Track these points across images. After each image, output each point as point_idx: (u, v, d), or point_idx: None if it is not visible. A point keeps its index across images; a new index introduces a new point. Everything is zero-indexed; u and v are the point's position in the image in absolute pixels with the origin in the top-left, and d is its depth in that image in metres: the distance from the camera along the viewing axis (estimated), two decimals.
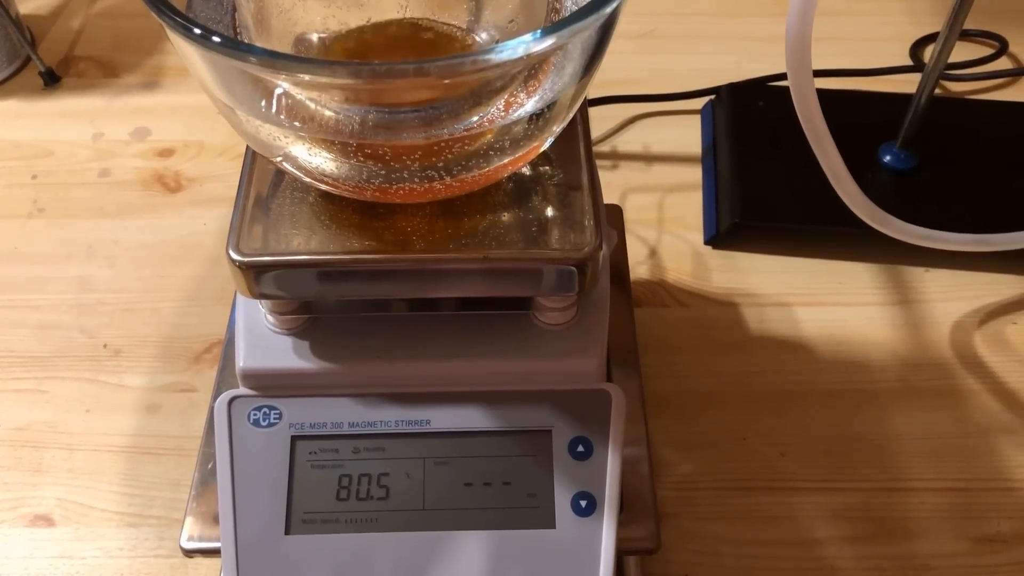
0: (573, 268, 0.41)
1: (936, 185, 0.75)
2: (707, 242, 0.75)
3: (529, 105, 0.40)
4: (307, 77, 0.32)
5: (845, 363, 0.67)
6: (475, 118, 0.39)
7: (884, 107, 0.80)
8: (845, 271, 0.73)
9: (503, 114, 0.40)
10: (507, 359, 0.46)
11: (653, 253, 0.74)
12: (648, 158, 0.82)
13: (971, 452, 0.62)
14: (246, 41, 0.40)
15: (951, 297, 0.72)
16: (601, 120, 0.84)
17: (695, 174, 0.80)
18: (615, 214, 0.66)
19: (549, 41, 0.33)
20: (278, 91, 0.38)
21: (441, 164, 0.38)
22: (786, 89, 0.83)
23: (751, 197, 0.74)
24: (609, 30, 0.39)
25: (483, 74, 0.36)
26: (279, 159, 0.39)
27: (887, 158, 0.76)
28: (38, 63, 0.85)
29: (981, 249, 0.67)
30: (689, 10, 0.96)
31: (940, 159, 0.76)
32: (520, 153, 0.40)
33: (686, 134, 0.84)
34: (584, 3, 0.37)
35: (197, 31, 0.31)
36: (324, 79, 0.32)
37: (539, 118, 0.40)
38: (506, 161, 0.40)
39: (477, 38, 0.44)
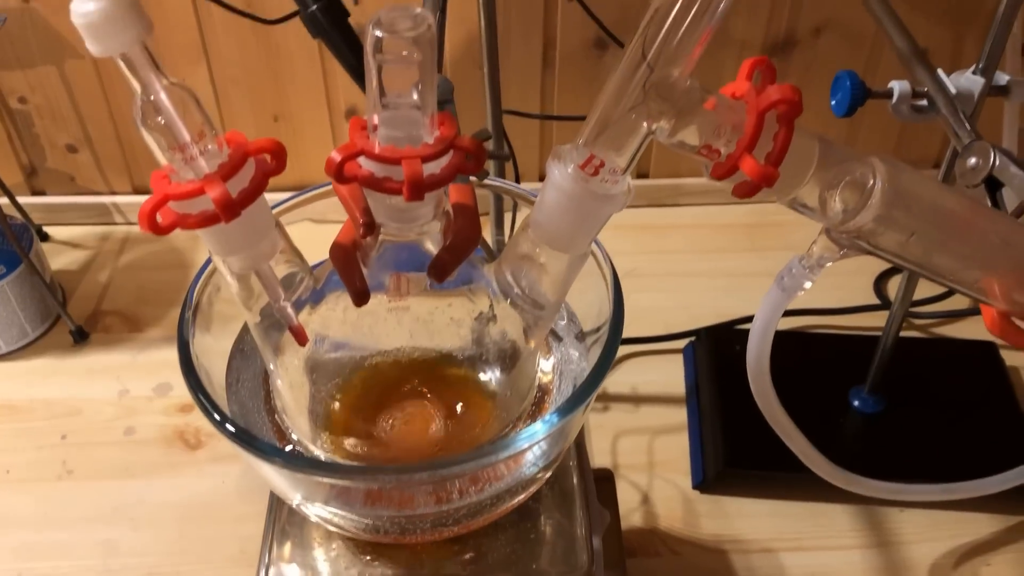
0: None
1: (905, 428, 0.81)
2: (695, 487, 0.80)
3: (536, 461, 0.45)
4: (327, 480, 0.37)
5: None
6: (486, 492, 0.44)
7: (853, 349, 0.87)
8: (826, 513, 0.78)
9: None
10: None
11: (645, 499, 0.79)
12: (636, 399, 0.88)
13: None
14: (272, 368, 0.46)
15: (926, 538, 0.76)
16: None
17: (682, 415, 0.86)
18: (607, 487, 0.71)
19: (552, 427, 0.39)
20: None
21: (451, 520, 0.43)
22: None
23: (734, 444, 0.80)
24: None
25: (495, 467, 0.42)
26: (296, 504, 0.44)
27: (856, 403, 0.82)
28: (68, 322, 0.92)
29: (948, 498, 0.72)
30: (668, 248, 1.04)
31: (909, 402, 0.82)
32: (526, 493, 0.46)
33: (671, 373, 0.90)
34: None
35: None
36: (343, 482, 0.38)
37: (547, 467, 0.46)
38: (515, 501, 0.46)
39: (479, 369, 0.50)
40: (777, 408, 0.59)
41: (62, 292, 0.97)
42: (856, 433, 0.81)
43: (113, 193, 1.07)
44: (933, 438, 0.80)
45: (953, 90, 0.60)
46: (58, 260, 1.02)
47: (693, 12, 0.36)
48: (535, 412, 0.49)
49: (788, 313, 0.94)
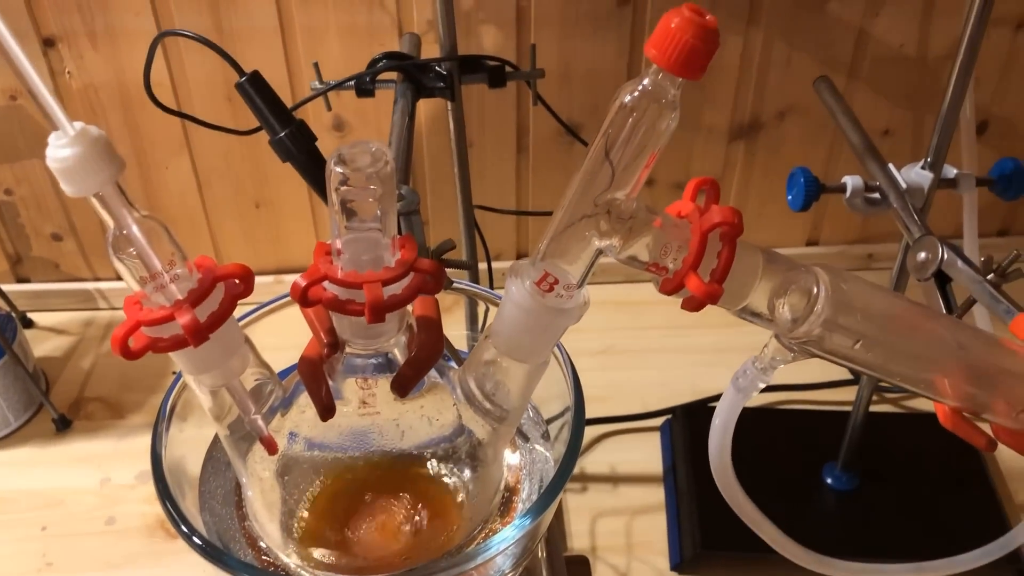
0: None
1: (879, 505, 0.82)
2: (673, 568, 0.80)
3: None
4: None
5: None
6: None
7: (827, 425, 0.88)
8: None
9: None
10: None
11: None
12: (615, 479, 0.89)
13: None
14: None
15: None
16: None
17: (660, 494, 0.87)
18: (582, 572, 0.72)
19: (522, 530, 0.40)
20: None
21: None
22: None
23: (711, 525, 0.81)
24: None
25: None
26: None
27: (830, 480, 0.83)
28: (51, 410, 0.93)
29: None
30: (643, 324, 1.06)
31: (882, 478, 0.84)
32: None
33: (649, 451, 0.91)
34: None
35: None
36: None
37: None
38: None
39: (449, 472, 0.51)
40: (744, 501, 0.60)
41: (45, 380, 0.98)
42: (830, 510, 0.82)
43: (97, 279, 1.08)
44: (907, 515, 0.81)
45: (904, 184, 0.62)
46: (42, 346, 1.03)
47: (638, 142, 0.38)
48: (504, 512, 0.50)
49: (763, 389, 0.95)
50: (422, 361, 0.42)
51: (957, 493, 0.83)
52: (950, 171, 0.64)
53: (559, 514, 0.85)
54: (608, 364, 1.01)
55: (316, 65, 0.63)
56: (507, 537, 0.41)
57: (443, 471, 0.50)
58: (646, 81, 0.37)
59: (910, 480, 0.84)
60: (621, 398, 0.96)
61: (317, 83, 0.61)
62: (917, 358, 0.47)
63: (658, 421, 0.94)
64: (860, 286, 0.45)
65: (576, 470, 0.90)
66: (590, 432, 0.93)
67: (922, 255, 0.57)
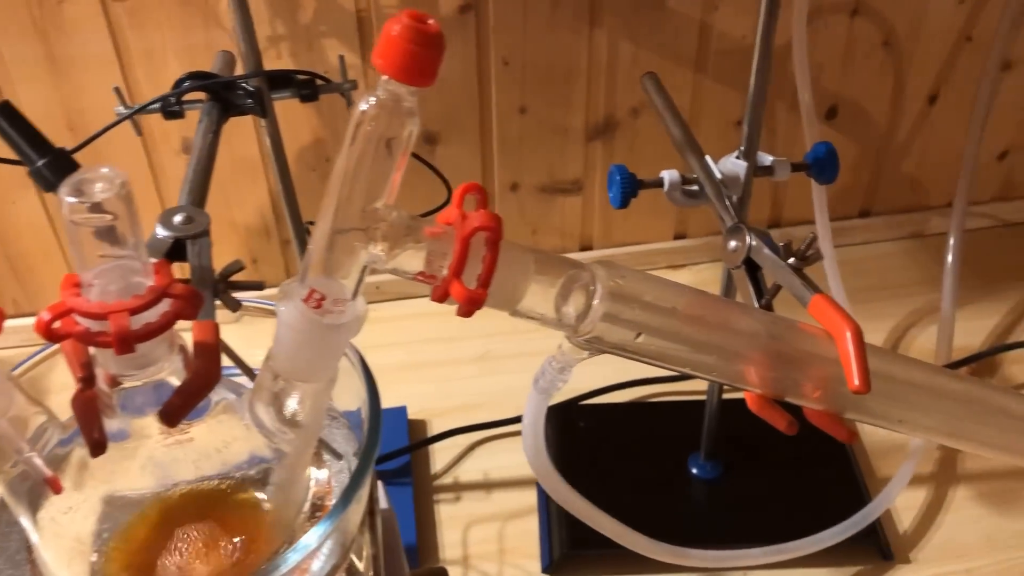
0: None
1: (743, 491, 0.83)
2: (544, 571, 0.80)
3: None
4: None
5: None
6: None
7: (690, 415, 0.89)
8: None
9: None
10: None
11: None
12: (488, 486, 0.88)
13: None
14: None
15: None
16: (444, 451, 0.91)
17: (533, 498, 0.87)
18: None
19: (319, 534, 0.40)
20: None
21: None
22: (603, 407, 0.93)
23: (579, 524, 0.80)
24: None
25: None
26: None
27: (695, 470, 0.84)
28: None
29: (778, 559, 0.74)
30: (520, 328, 1.05)
31: (745, 464, 0.85)
32: None
33: (523, 456, 0.91)
34: None
35: None
36: None
37: None
38: None
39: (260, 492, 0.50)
40: (575, 499, 0.60)
41: None
42: (697, 500, 0.83)
43: None
44: (772, 499, 0.83)
45: (719, 175, 0.63)
46: None
47: (383, 151, 0.38)
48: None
49: (627, 384, 0.96)
50: (192, 389, 0.41)
51: (820, 473, 0.85)
52: (766, 159, 0.65)
53: (430, 526, 0.84)
54: (485, 370, 1.01)
55: (117, 90, 0.62)
56: (289, 559, 0.40)
57: (251, 493, 0.49)
58: (379, 92, 0.36)
59: (773, 464, 0.85)
60: (497, 404, 0.96)
61: (121, 108, 0.60)
62: (713, 348, 0.48)
63: None
64: (639, 280, 0.45)
65: (449, 479, 0.90)
66: (463, 441, 0.92)
67: (732, 243, 0.58)
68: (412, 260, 0.41)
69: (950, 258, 0.98)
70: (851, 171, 1.10)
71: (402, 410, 0.93)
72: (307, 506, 0.50)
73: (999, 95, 1.05)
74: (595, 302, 0.43)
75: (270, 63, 0.90)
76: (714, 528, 0.81)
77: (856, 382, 0.46)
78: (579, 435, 0.89)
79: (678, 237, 1.13)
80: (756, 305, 0.56)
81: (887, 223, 1.15)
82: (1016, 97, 1.07)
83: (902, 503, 0.85)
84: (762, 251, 0.56)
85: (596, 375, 0.96)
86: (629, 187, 0.63)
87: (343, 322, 0.41)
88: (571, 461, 0.86)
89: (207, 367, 0.42)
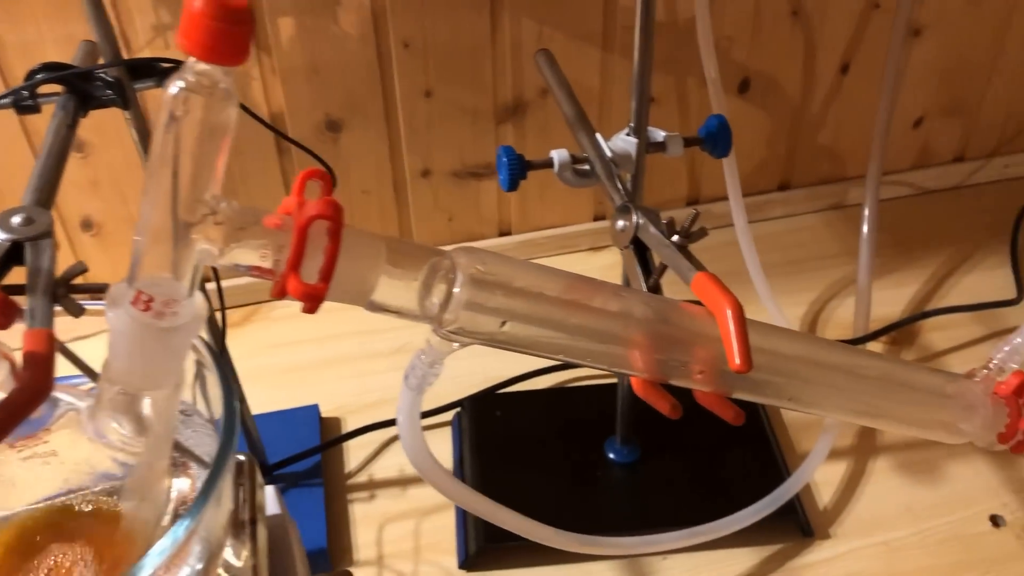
0: None
1: (661, 474, 0.82)
2: (461, 566, 0.78)
3: None
4: None
5: None
6: None
7: (604, 399, 0.87)
8: (591, 573, 0.77)
9: None
10: None
11: None
12: (404, 482, 0.86)
13: None
14: None
15: None
16: (358, 449, 0.89)
17: None
18: None
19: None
20: None
21: None
22: (520, 395, 0.91)
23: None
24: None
25: None
26: None
27: (612, 454, 0.83)
28: None
29: (693, 542, 0.73)
30: None
31: (662, 446, 0.83)
32: None
33: (442, 448, 0.89)
34: None
35: None
36: None
37: None
38: None
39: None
40: (468, 495, 0.58)
41: None
42: (616, 485, 0.82)
43: None
44: (691, 480, 0.82)
45: (609, 153, 0.61)
46: None
47: (204, 138, 0.35)
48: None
49: (547, 371, 0.94)
50: (20, 402, 0.38)
51: (739, 452, 0.84)
52: (658, 134, 0.64)
53: (343, 527, 0.81)
54: (402, 363, 0.97)
55: None
56: (145, 566, 0.37)
57: (110, 506, 0.47)
58: (187, 75, 0.33)
59: (691, 445, 0.84)
60: None
61: None
62: (588, 333, 0.45)
63: (450, 415, 0.91)
64: (504, 265, 0.43)
65: (363, 478, 0.87)
66: (379, 437, 0.90)
67: (620, 223, 0.56)
68: (248, 254, 0.38)
69: (865, 228, 0.97)
70: (767, 144, 1.09)
71: (313, 408, 0.90)
72: (167, 518, 0.47)
73: (910, 62, 1.05)
74: (455, 290, 0.41)
75: (157, 52, 0.86)
76: (632, 513, 0.80)
77: (737, 360, 0.45)
78: (496, 425, 0.87)
79: (598, 218, 1.11)
80: (643, 286, 0.54)
81: (807, 195, 1.14)
82: (928, 63, 1.07)
83: (822, 478, 0.84)
84: (648, 230, 0.54)
85: (514, 362, 0.94)
86: (517, 168, 0.60)
87: (179, 324, 0.38)
88: (489, 452, 0.84)
89: (36, 378, 0.39)
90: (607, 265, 1.09)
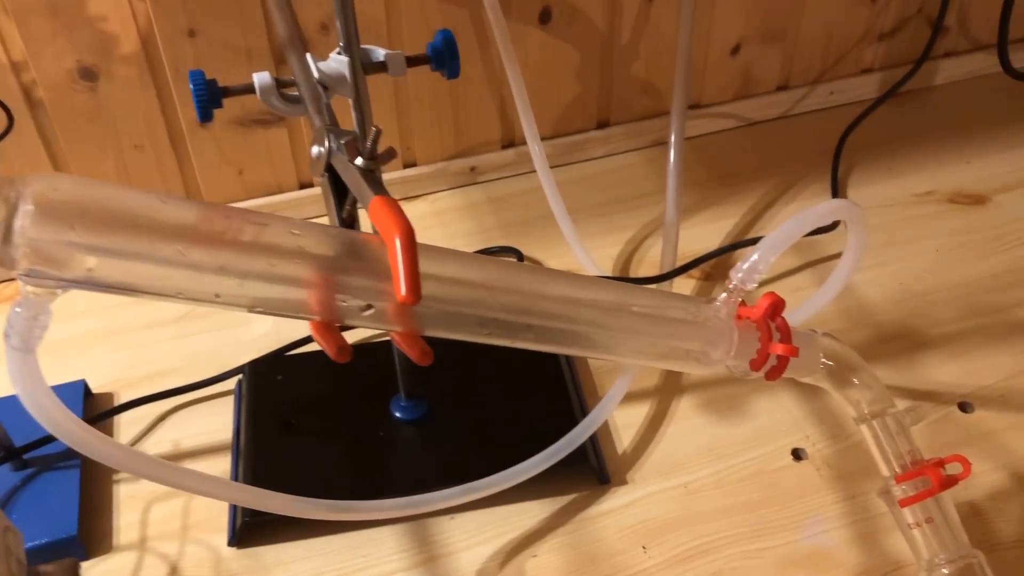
0: None
1: (450, 429, 0.76)
2: (231, 543, 0.72)
3: None
4: None
5: None
6: None
7: (390, 355, 0.81)
8: (373, 540, 0.72)
9: None
10: None
11: (173, 571, 0.70)
12: (177, 456, 0.79)
13: None
14: None
15: (475, 542, 0.72)
16: (130, 425, 0.81)
17: (227, 464, 0.78)
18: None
19: None
20: None
21: None
22: (304, 357, 0.84)
23: (261, 486, 0.72)
24: None
25: None
26: None
27: (397, 412, 0.77)
28: None
29: (470, 499, 0.68)
30: None
31: (453, 400, 0.78)
32: None
33: (222, 420, 0.82)
34: None
35: None
36: None
37: None
38: None
39: None
40: (144, 462, 0.51)
41: None
42: (402, 443, 0.76)
43: None
44: (485, 432, 0.77)
45: (317, 74, 0.55)
46: None
47: None
48: None
49: (342, 329, 0.88)
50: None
51: (534, 401, 0.79)
52: (378, 53, 0.57)
53: (104, 511, 0.74)
54: (184, 331, 0.91)
55: None
56: None
57: None
58: None
59: (484, 395, 0.79)
60: (198, 366, 0.86)
61: None
62: (222, 270, 0.39)
63: (233, 383, 0.84)
64: (95, 188, 0.36)
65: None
66: (154, 410, 0.82)
67: (315, 149, 0.50)
68: None
69: (672, 158, 0.93)
70: (577, 79, 1.03)
71: (78, 384, 0.82)
72: None
73: None
74: (16, 221, 0.34)
75: None
76: (418, 472, 0.74)
77: (403, 291, 0.39)
78: (277, 390, 0.81)
79: (408, 166, 1.04)
80: (336, 219, 0.48)
81: (627, 132, 1.09)
82: None
83: (623, 421, 0.80)
84: (340, 158, 0.48)
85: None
86: (207, 95, 0.53)
87: None
88: (267, 418, 0.78)
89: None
90: (422, 214, 1.03)
